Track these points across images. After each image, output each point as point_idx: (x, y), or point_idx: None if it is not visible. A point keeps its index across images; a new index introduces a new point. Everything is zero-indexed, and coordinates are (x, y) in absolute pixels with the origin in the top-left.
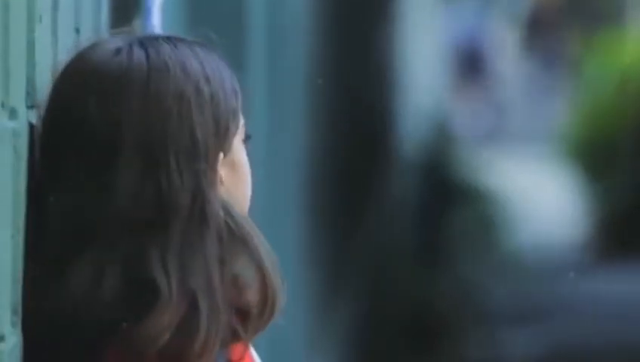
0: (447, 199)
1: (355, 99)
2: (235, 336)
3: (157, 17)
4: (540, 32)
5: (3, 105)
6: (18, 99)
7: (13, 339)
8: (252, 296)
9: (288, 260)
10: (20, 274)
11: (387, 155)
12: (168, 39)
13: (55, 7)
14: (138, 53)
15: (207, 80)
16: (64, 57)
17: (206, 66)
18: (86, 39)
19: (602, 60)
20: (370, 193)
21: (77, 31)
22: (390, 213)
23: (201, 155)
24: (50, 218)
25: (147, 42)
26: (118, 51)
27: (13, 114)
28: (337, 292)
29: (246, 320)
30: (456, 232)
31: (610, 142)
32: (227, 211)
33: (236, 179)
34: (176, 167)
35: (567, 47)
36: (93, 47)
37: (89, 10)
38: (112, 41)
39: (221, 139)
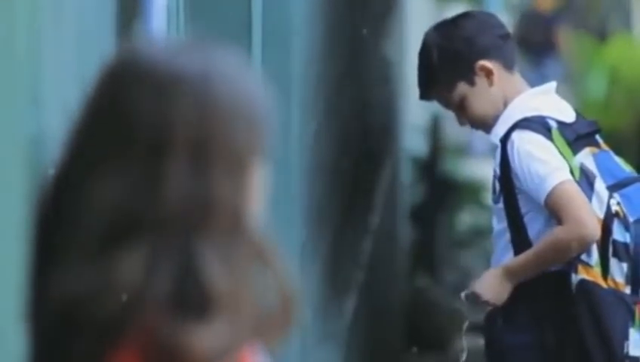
0: (450, 198)
1: (358, 98)
2: (252, 343)
3: (159, 20)
4: (537, 32)
5: (9, 108)
6: (23, 103)
7: (17, 335)
8: (271, 304)
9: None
10: (25, 274)
11: (389, 154)
12: (216, 48)
13: (59, 10)
14: (191, 58)
15: (254, 91)
16: (69, 59)
17: (251, 78)
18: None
19: (598, 61)
20: (373, 191)
21: (81, 34)
22: (392, 212)
23: (243, 163)
24: (86, 212)
25: (199, 48)
26: (172, 54)
27: (18, 117)
28: (338, 290)
29: (264, 327)
30: (457, 233)
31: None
32: (253, 220)
33: (252, 192)
34: (222, 171)
35: (565, 47)
36: (146, 48)
37: (92, 13)
38: (166, 44)
39: (258, 150)
